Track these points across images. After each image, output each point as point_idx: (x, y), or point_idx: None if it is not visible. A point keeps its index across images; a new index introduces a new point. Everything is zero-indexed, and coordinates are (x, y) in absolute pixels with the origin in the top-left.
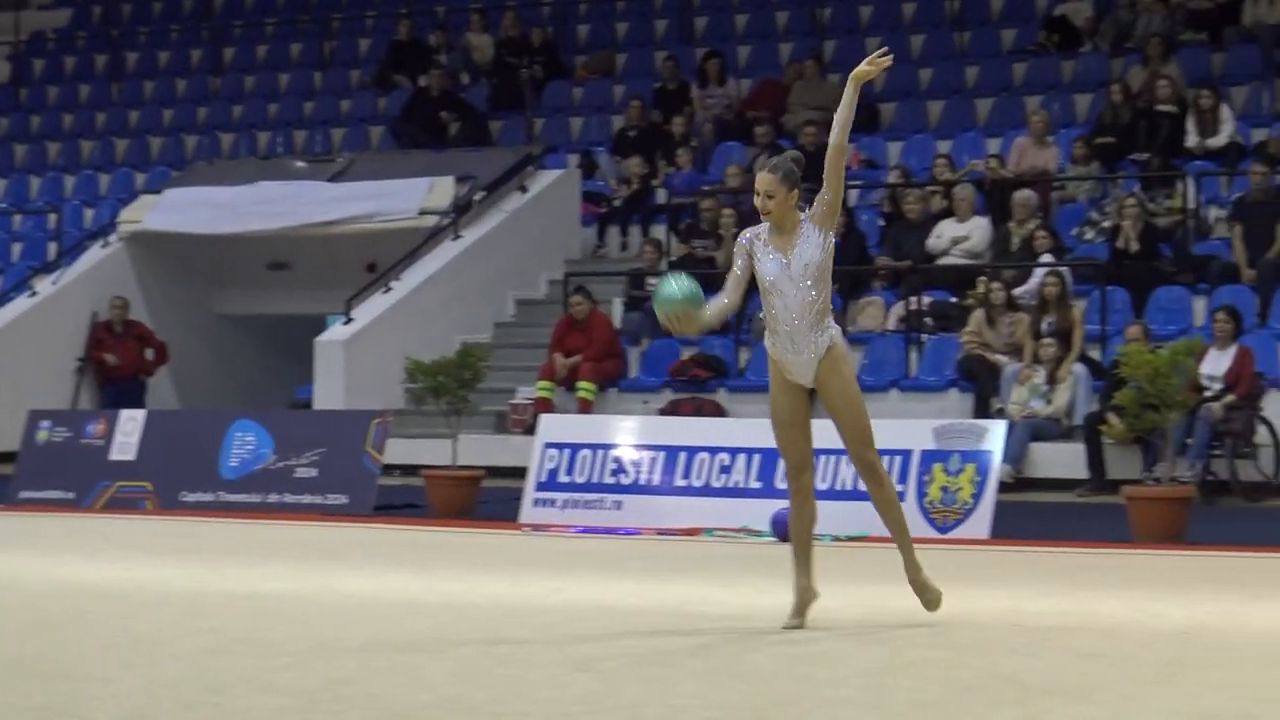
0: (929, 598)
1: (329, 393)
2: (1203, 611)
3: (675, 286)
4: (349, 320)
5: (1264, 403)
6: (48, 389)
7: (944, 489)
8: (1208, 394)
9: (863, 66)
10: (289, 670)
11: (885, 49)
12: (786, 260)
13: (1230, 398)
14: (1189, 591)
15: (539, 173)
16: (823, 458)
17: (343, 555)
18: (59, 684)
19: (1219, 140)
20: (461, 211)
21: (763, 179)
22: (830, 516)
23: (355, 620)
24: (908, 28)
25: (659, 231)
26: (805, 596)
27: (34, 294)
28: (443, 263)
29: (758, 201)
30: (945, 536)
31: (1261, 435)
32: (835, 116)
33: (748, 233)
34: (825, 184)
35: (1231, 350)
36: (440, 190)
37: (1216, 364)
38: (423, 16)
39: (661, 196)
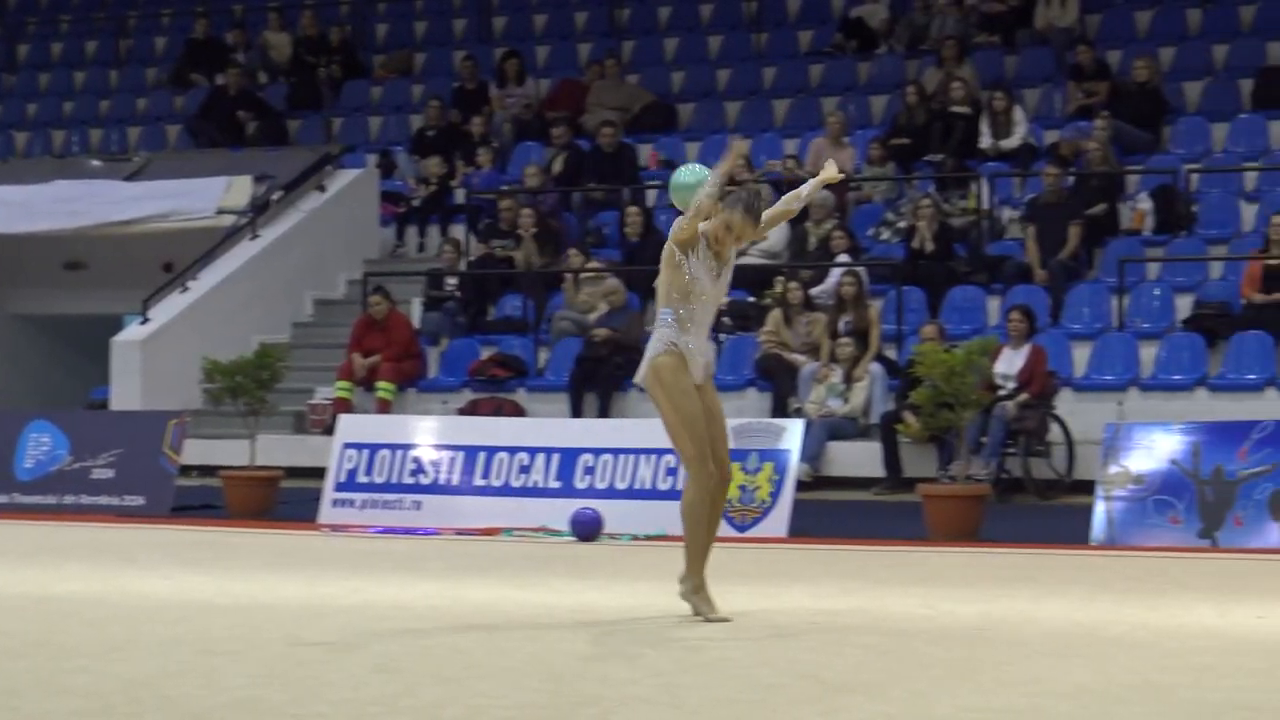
0: (707, 610)
1: (126, 393)
2: (997, 608)
3: (689, 175)
4: (145, 320)
5: (1057, 401)
6: None
7: (742, 488)
8: (1002, 393)
9: (833, 173)
10: (85, 673)
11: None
12: (718, 273)
13: (1024, 396)
14: (983, 588)
15: (337, 172)
16: (622, 457)
17: (140, 557)
18: None
19: (1012, 141)
20: (259, 211)
21: (745, 227)
22: (629, 515)
23: (152, 622)
24: (705, 28)
25: (458, 231)
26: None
27: None
28: (240, 262)
29: (726, 236)
30: (744, 535)
31: (1054, 433)
32: (799, 192)
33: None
34: (763, 222)
35: (1025, 349)
36: (238, 189)
37: (1010, 363)
38: (220, 15)
39: (460, 196)
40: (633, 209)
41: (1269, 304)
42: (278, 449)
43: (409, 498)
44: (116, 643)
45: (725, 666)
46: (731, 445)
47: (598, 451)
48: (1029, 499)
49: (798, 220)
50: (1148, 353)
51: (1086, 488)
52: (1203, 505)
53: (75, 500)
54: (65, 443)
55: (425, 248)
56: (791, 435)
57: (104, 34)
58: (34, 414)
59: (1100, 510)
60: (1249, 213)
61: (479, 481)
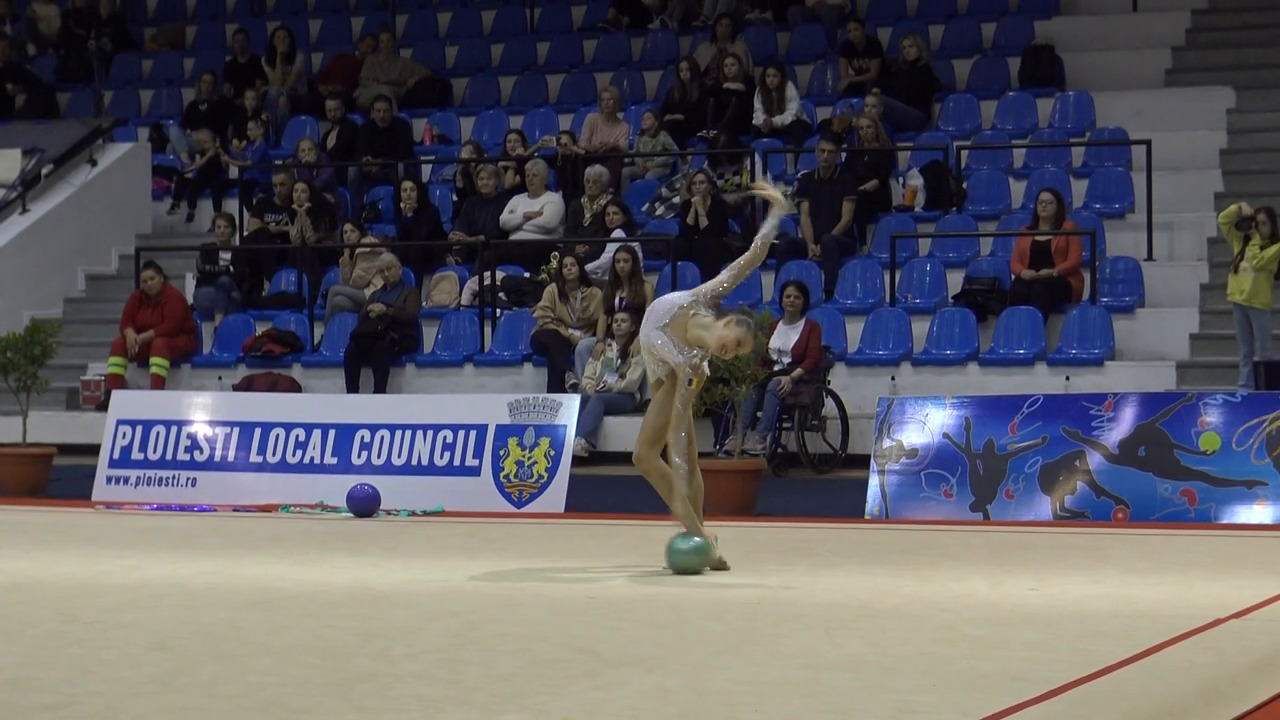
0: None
1: None
2: (773, 581)
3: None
4: None
5: (831, 376)
6: None
7: (519, 463)
8: (777, 368)
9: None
10: None
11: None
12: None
13: (798, 371)
14: (760, 562)
15: (108, 146)
16: (399, 432)
17: None
18: None
19: (785, 118)
20: (29, 185)
21: (749, 340)
22: (406, 491)
23: None
24: (479, 4)
25: (231, 206)
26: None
27: None
28: (10, 237)
29: (731, 352)
30: (521, 510)
31: (829, 408)
32: (764, 235)
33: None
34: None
35: (799, 325)
36: (6, 163)
37: (785, 338)
38: None
39: (233, 171)
40: (407, 184)
41: (1038, 280)
42: (50, 426)
43: (185, 474)
44: None
45: (503, 642)
46: (508, 421)
47: (374, 427)
48: (804, 473)
49: (572, 195)
50: (920, 328)
51: (861, 462)
52: (975, 479)
53: None
54: None
55: (197, 220)
56: (568, 410)
57: None
58: None
59: (874, 484)
60: (1017, 189)
61: (255, 458)
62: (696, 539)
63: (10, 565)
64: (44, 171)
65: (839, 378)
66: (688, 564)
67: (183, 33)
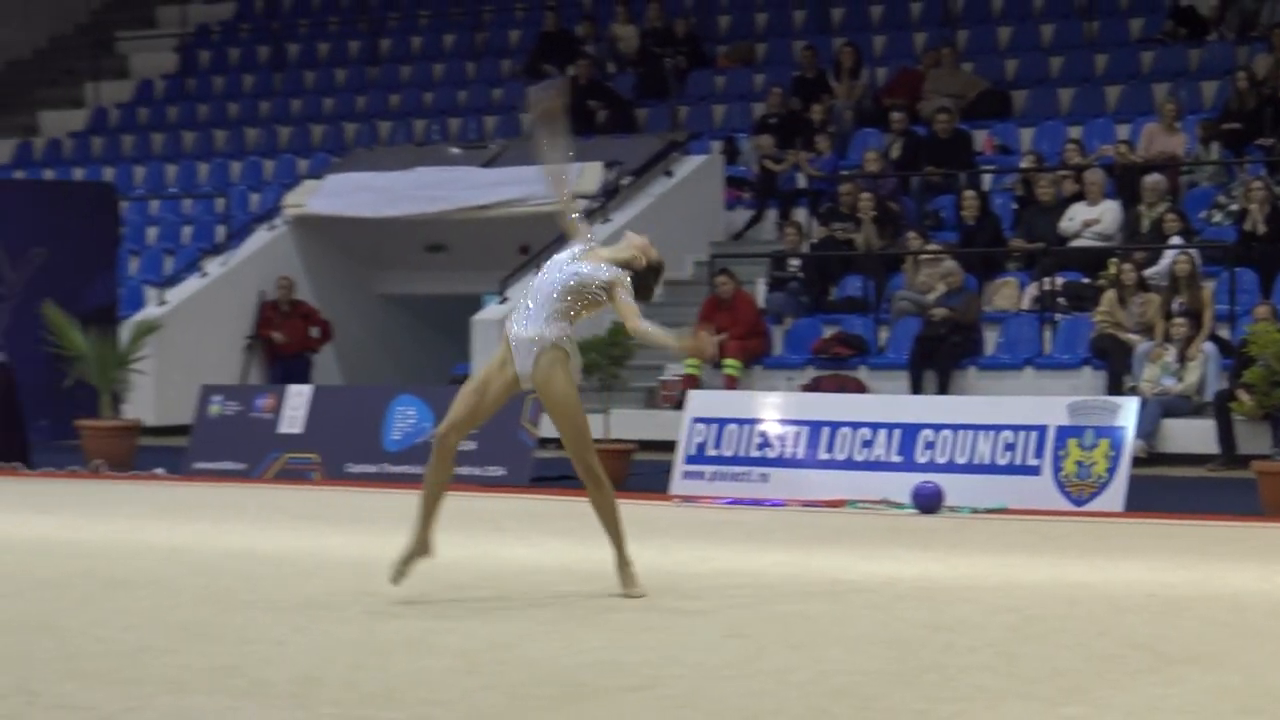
0: (632, 590)
1: None
2: None
3: None
4: (504, 300)
5: None
6: (218, 365)
7: (1079, 463)
8: None
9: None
10: (453, 634)
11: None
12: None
13: None
14: None
15: (683, 158)
16: (961, 432)
17: (502, 525)
18: (233, 646)
19: None
20: (610, 196)
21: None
22: (968, 489)
23: (515, 586)
24: (1038, 18)
25: (800, 215)
26: (420, 548)
27: (204, 275)
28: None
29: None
30: (1081, 509)
31: None
32: (653, 335)
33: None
34: (623, 306)
35: None
36: (589, 175)
37: None
38: (569, 8)
39: (802, 181)
40: (969, 193)
41: None
42: (630, 423)
43: (756, 470)
44: (482, 605)
45: (1062, 637)
46: (1068, 422)
47: (938, 427)
48: None
49: (1130, 203)
50: None
51: None
52: None
53: None
54: (430, 416)
55: (765, 228)
56: (1127, 412)
57: (461, 28)
58: (400, 389)
59: None
60: None
61: (823, 455)
62: None
63: (595, 554)
64: (623, 183)
65: None
66: None
67: (753, 50)
